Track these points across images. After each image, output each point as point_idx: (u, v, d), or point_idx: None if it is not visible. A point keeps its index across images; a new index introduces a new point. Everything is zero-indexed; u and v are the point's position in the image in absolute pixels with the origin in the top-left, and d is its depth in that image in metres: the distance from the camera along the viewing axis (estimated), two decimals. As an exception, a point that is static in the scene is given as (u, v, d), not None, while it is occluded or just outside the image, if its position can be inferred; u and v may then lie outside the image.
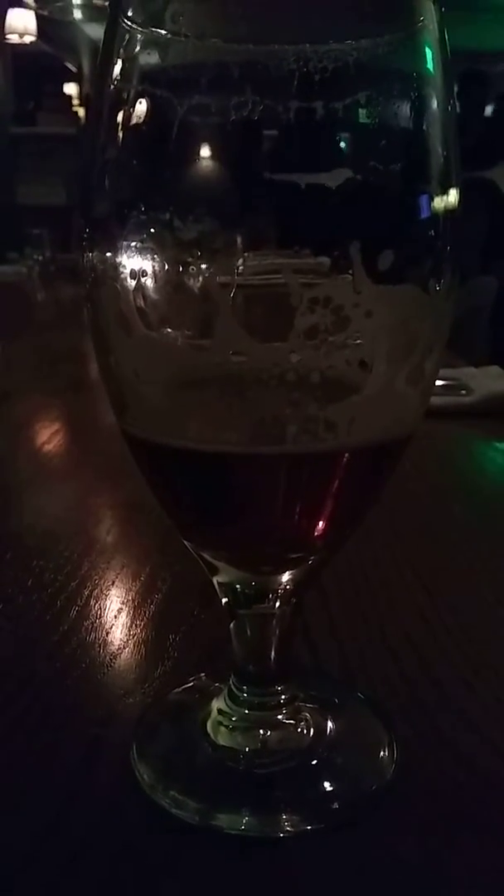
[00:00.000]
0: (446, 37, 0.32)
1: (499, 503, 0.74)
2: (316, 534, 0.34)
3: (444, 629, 0.49)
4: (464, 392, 0.97)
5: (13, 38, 4.98)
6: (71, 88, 6.00)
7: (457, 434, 0.90)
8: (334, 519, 0.34)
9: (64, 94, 5.98)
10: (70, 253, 2.74)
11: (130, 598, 0.53)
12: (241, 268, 0.29)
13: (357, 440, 0.31)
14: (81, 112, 5.72)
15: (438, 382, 1.07)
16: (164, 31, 0.31)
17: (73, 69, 5.84)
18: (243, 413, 0.31)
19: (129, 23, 0.31)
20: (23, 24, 4.87)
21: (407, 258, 0.31)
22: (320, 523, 0.33)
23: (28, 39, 4.97)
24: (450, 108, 0.32)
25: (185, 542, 0.36)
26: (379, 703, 0.41)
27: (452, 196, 0.32)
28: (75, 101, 5.96)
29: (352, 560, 0.56)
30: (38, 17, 4.82)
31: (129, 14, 0.31)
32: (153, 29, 0.31)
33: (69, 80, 5.98)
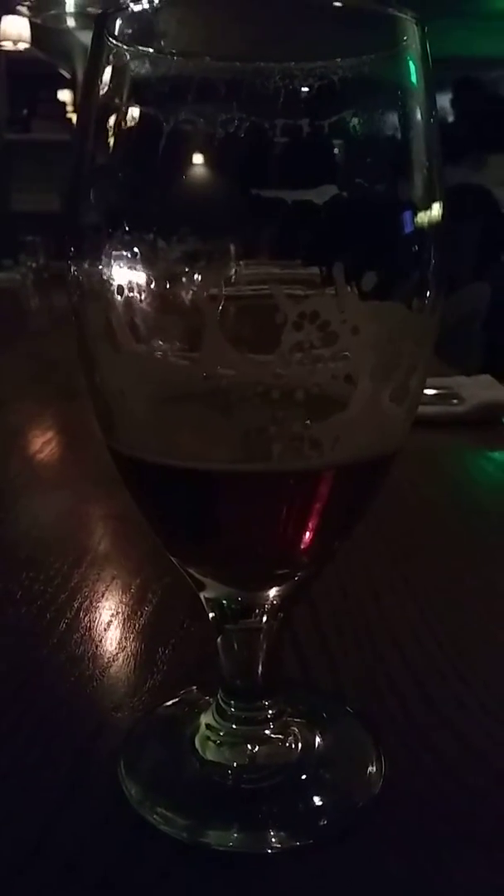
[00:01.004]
0: (429, 55, 0.32)
1: (490, 512, 0.74)
2: (302, 550, 0.34)
3: (434, 642, 0.49)
4: (455, 401, 0.97)
5: (7, 45, 4.98)
6: (65, 95, 5.99)
7: (448, 443, 0.90)
8: (320, 536, 0.34)
9: (58, 100, 5.98)
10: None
11: (120, 610, 0.53)
12: (228, 283, 0.29)
13: (342, 457, 0.31)
14: (75, 119, 5.72)
15: (430, 391, 1.07)
16: (150, 49, 0.31)
17: (68, 76, 5.84)
18: (228, 431, 0.31)
19: (115, 40, 0.31)
20: (17, 31, 4.87)
21: (393, 273, 0.31)
22: (306, 540, 0.34)
23: (22, 46, 4.97)
24: (433, 124, 0.33)
25: (172, 558, 0.36)
26: (368, 718, 0.41)
27: (436, 210, 0.33)
28: (69, 108, 5.95)
29: (342, 572, 0.56)
30: (32, 25, 4.82)
31: (115, 31, 0.31)
32: (139, 46, 0.31)
33: (63, 87, 5.97)
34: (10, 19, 4.76)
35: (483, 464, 0.88)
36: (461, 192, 3.38)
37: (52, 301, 2.25)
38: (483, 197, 3.50)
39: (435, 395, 0.97)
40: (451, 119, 3.96)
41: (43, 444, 0.96)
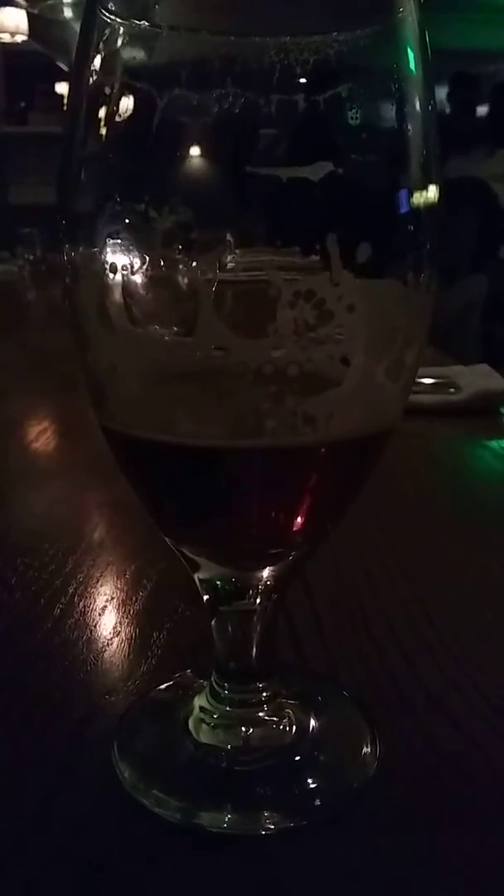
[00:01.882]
0: (426, 29, 0.32)
1: (487, 500, 0.74)
2: (296, 528, 0.34)
3: (429, 626, 0.49)
4: (452, 390, 0.97)
5: (4, 38, 4.96)
6: (63, 88, 5.98)
7: (446, 432, 0.90)
8: (314, 514, 0.33)
9: (56, 93, 5.95)
10: (61, 252, 2.73)
11: (115, 595, 0.53)
12: (222, 262, 0.29)
13: (336, 434, 0.31)
14: (66, 97, 5.70)
15: (427, 380, 1.07)
16: (143, 23, 0.31)
17: (65, 69, 5.83)
18: (222, 407, 0.30)
19: (108, 14, 0.31)
20: (14, 23, 4.85)
21: (387, 252, 0.31)
22: (300, 518, 0.33)
23: (19, 38, 4.95)
24: (430, 103, 0.32)
25: (166, 539, 0.36)
26: (362, 700, 0.41)
27: (432, 192, 0.32)
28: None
29: (337, 556, 0.56)
30: (30, 17, 4.80)
31: (108, 5, 0.31)
32: (132, 20, 0.31)
33: (61, 80, 5.95)
34: (7, 11, 4.74)
35: (479, 452, 0.88)
36: (459, 184, 3.37)
37: (50, 293, 2.25)
38: (481, 190, 3.50)
39: (432, 384, 0.96)
40: (447, 111, 3.95)
41: (39, 433, 0.96)
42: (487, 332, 2.93)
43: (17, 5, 4.69)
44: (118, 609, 0.51)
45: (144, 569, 0.56)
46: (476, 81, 4.03)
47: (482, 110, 4.23)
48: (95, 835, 0.33)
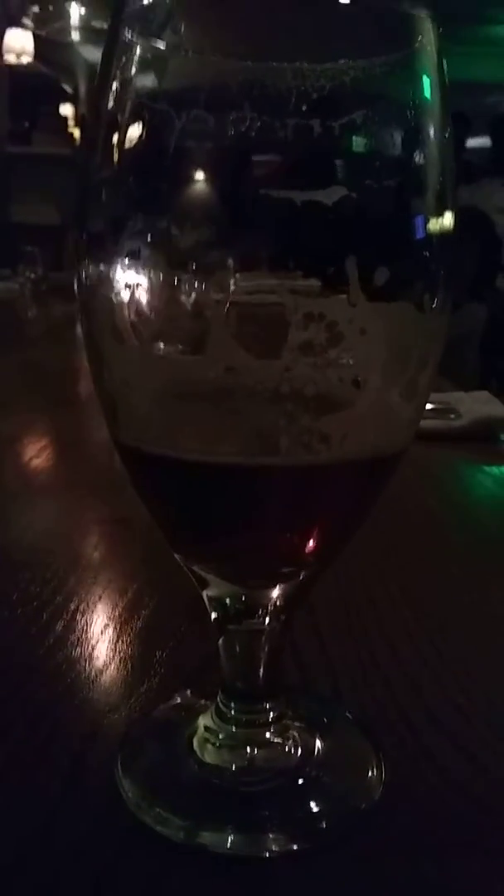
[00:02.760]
0: (443, 56, 0.32)
1: (487, 526, 0.74)
2: (307, 547, 0.34)
3: (432, 649, 0.49)
4: (453, 416, 0.97)
5: (10, 59, 5.02)
6: (66, 109, 6.04)
7: (445, 457, 0.90)
8: (326, 533, 0.33)
9: (59, 114, 6.02)
10: (62, 271, 2.75)
11: (117, 613, 0.52)
12: (235, 283, 0.29)
13: (350, 453, 0.31)
14: (76, 133, 5.77)
15: (428, 406, 1.07)
16: (163, 47, 0.31)
17: (69, 90, 5.89)
18: (235, 424, 0.30)
19: (130, 37, 0.31)
20: (20, 44, 4.91)
21: (401, 277, 0.31)
22: (311, 537, 0.33)
23: (25, 60, 5.02)
24: (447, 130, 0.33)
25: (176, 555, 0.36)
26: (367, 723, 0.40)
27: (447, 218, 0.33)
28: (70, 122, 6.00)
29: (341, 580, 0.56)
30: (36, 38, 4.86)
31: (130, 28, 0.31)
32: (153, 44, 0.31)
33: (65, 101, 6.02)
34: (13, 33, 4.80)
35: (480, 478, 0.88)
36: (458, 214, 3.40)
37: (50, 311, 2.25)
38: (480, 220, 3.53)
39: (432, 409, 0.97)
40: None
41: (39, 450, 0.96)
42: (486, 359, 2.94)
43: (23, 27, 4.75)
44: (120, 627, 0.51)
45: (146, 587, 0.55)
46: (467, 120, 4.08)
47: (475, 143, 4.30)
48: (98, 853, 0.33)
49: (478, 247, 3.35)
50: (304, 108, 0.30)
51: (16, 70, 5.31)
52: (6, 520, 0.73)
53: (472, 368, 2.81)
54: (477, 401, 1.03)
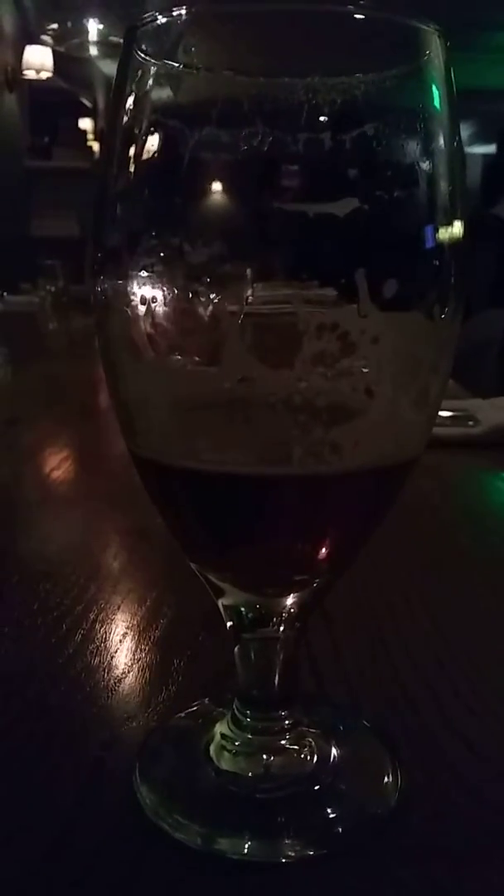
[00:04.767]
0: (451, 69, 0.32)
1: (506, 534, 0.74)
2: (321, 555, 0.34)
3: (449, 657, 0.49)
4: (471, 423, 0.97)
5: (30, 74, 5.08)
6: (86, 124, 6.09)
7: (464, 464, 0.90)
8: (339, 541, 0.34)
9: (79, 129, 6.07)
10: (82, 284, 2.77)
11: (135, 622, 0.53)
12: (249, 295, 0.30)
13: (362, 462, 0.31)
14: (96, 147, 5.82)
15: (446, 413, 1.07)
16: (176, 64, 0.32)
17: (89, 105, 5.94)
18: (250, 435, 0.31)
19: (143, 55, 0.32)
20: (40, 60, 4.96)
21: (412, 286, 0.31)
22: (325, 545, 0.34)
23: (45, 75, 5.07)
24: (456, 140, 0.33)
25: (191, 564, 0.36)
26: (383, 730, 0.41)
27: (457, 228, 0.33)
28: (90, 136, 6.05)
29: (357, 588, 0.56)
30: (55, 54, 4.92)
31: (143, 46, 0.32)
32: (166, 61, 0.32)
33: (84, 116, 6.07)
34: (33, 49, 4.85)
35: (498, 485, 0.88)
36: (475, 220, 3.40)
37: (70, 324, 2.27)
38: (498, 226, 3.52)
39: (451, 416, 0.97)
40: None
41: (60, 461, 0.97)
42: (505, 366, 2.93)
43: (43, 43, 4.80)
44: (139, 636, 0.51)
45: (165, 596, 0.56)
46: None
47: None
48: (116, 860, 0.33)
49: (496, 253, 3.34)
50: (315, 122, 0.30)
51: (36, 86, 5.37)
52: (28, 530, 0.74)
53: (492, 375, 2.80)
54: (495, 408, 1.03)
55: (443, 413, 0.96)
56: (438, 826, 0.35)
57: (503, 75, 6.12)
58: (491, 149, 4.33)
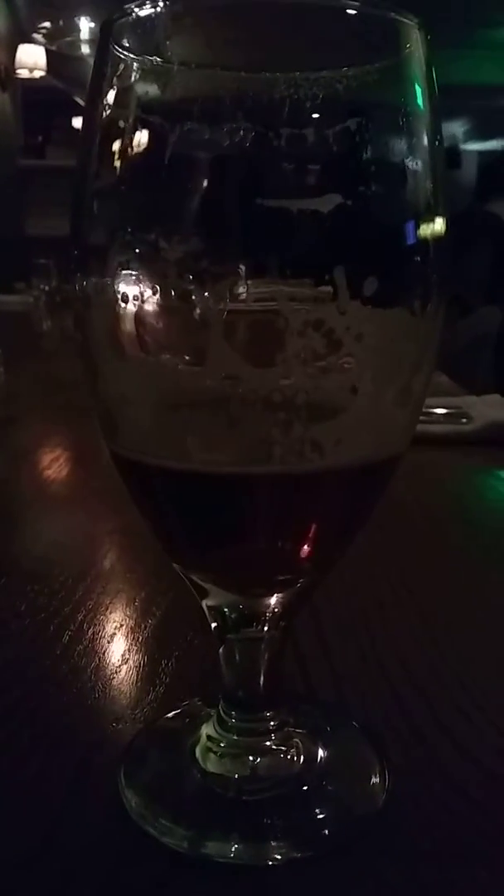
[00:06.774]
0: (433, 65, 0.32)
1: (498, 530, 0.74)
2: (304, 555, 0.34)
3: (439, 655, 0.48)
4: (464, 420, 0.97)
5: (23, 73, 5.07)
6: (79, 122, 6.08)
7: (457, 462, 0.90)
8: (323, 540, 0.33)
9: (72, 127, 6.05)
10: (76, 283, 2.75)
11: (124, 623, 0.53)
12: (233, 292, 0.29)
13: (343, 460, 0.31)
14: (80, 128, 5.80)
15: (439, 410, 1.07)
16: (155, 58, 0.32)
17: (82, 103, 5.93)
18: (230, 433, 0.31)
19: (121, 49, 0.32)
20: (33, 59, 4.95)
21: (395, 282, 0.31)
22: (308, 544, 0.33)
23: (38, 74, 5.06)
24: (438, 136, 0.33)
25: (174, 565, 0.36)
26: (371, 730, 0.40)
27: (439, 224, 0.33)
28: (84, 135, 6.04)
29: (347, 586, 0.56)
30: (48, 53, 4.91)
31: (120, 41, 0.32)
32: (144, 56, 0.32)
33: (78, 115, 6.06)
34: (26, 48, 4.84)
35: (491, 482, 0.88)
36: (472, 217, 3.40)
37: (64, 323, 2.26)
38: (494, 223, 3.52)
39: (444, 414, 0.97)
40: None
41: (52, 461, 0.96)
42: (501, 363, 2.93)
43: (35, 42, 4.79)
44: (127, 637, 0.51)
45: (154, 597, 0.56)
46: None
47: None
48: (101, 863, 0.33)
49: (491, 250, 3.34)
50: (297, 117, 0.30)
51: (29, 85, 5.36)
52: (18, 530, 0.73)
53: (488, 371, 2.80)
54: (488, 405, 1.03)
55: (436, 410, 0.96)
56: (427, 827, 0.34)
57: (500, 72, 6.11)
58: (488, 145, 4.34)
